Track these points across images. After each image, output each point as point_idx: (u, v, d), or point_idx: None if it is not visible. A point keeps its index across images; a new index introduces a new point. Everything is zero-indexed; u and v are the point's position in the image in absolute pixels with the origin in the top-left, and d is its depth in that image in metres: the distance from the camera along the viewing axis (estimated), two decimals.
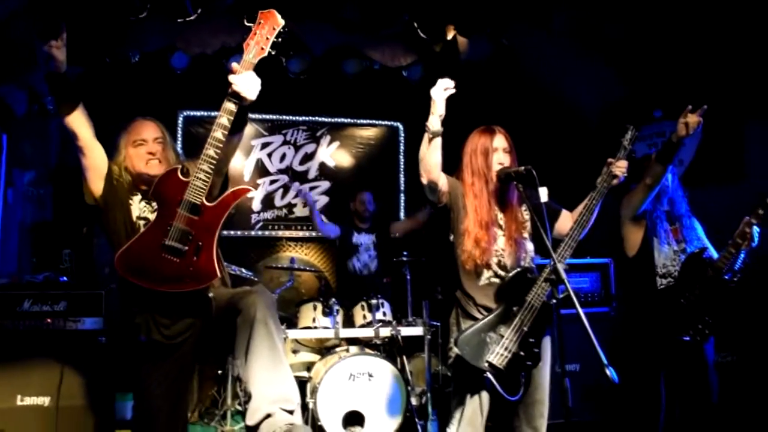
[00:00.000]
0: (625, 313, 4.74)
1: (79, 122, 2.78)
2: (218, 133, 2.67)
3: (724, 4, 4.78)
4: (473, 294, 2.99)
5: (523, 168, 2.84)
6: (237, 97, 2.66)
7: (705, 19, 4.95)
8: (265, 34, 2.69)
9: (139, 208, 2.97)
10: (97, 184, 2.92)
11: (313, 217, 5.76)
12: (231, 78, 2.64)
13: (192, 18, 4.73)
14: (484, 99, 6.28)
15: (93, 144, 2.87)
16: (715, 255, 3.93)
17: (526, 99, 6.11)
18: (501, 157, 3.04)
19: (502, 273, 3.00)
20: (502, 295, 2.94)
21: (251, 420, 2.67)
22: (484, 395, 2.91)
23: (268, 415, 2.65)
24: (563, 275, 2.48)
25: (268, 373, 2.67)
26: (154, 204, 2.92)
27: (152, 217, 2.91)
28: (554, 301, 2.88)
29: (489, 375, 2.86)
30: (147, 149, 2.98)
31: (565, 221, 3.19)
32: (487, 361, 2.86)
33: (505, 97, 6.21)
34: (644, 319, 4.00)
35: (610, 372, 2.25)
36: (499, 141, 3.06)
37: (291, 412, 2.69)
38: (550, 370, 3.05)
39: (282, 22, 2.71)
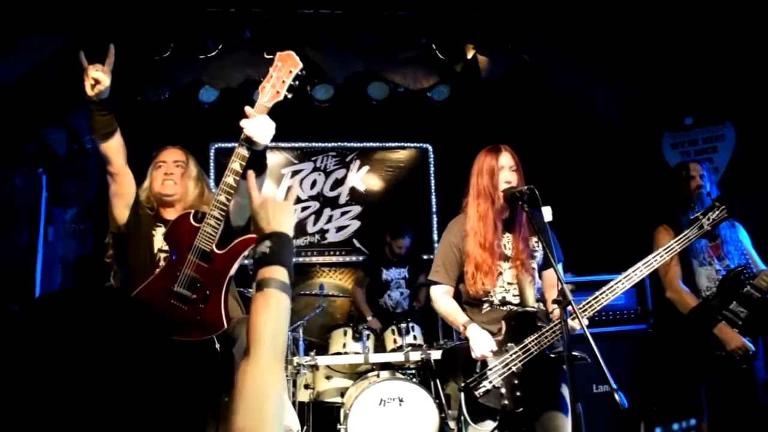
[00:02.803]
0: (663, 332, 4.59)
1: (114, 149, 2.80)
2: (230, 179, 2.62)
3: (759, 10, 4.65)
4: (476, 320, 2.93)
5: (526, 187, 2.79)
6: (249, 141, 2.59)
7: (737, 25, 4.83)
8: (281, 77, 2.59)
9: (161, 241, 2.95)
10: (122, 211, 2.94)
11: None
12: (242, 123, 2.57)
13: (213, 54, 4.86)
14: (503, 115, 6.26)
15: (124, 171, 2.89)
16: (761, 266, 3.76)
17: (549, 114, 6.05)
18: (507, 176, 2.96)
19: (504, 308, 2.94)
20: (505, 326, 2.88)
21: None
22: (489, 422, 2.84)
23: None
24: (570, 296, 2.42)
25: None
26: None
27: None
28: (553, 355, 2.83)
29: (461, 395, 2.81)
30: (165, 170, 3.00)
31: (549, 279, 3.09)
32: (465, 383, 2.81)
33: (527, 113, 6.17)
34: (681, 337, 3.86)
35: (619, 397, 2.17)
36: (505, 159, 2.99)
37: None
38: (586, 393, 2.93)
39: (300, 64, 2.60)
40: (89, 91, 2.65)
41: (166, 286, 2.64)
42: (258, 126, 2.57)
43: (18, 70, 4.75)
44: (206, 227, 2.65)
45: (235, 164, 2.61)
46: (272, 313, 1.39)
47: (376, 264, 5.96)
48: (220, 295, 2.64)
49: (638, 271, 2.88)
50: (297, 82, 2.61)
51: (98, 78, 2.61)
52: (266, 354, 1.33)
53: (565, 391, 2.88)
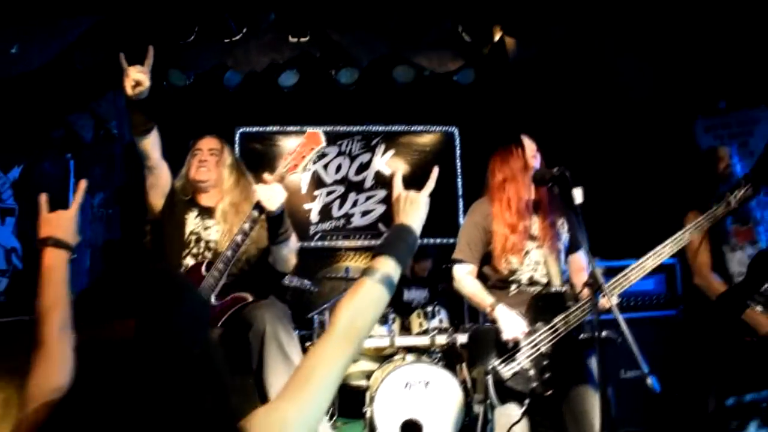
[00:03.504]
0: (692, 319, 4.52)
1: (152, 145, 2.92)
2: (238, 237, 2.78)
3: None
4: (504, 302, 2.88)
5: (555, 169, 2.76)
6: (260, 206, 2.76)
7: None
8: (302, 152, 2.82)
9: (194, 223, 3.10)
10: (158, 200, 3.08)
11: None
12: (254, 186, 2.78)
13: (238, 37, 4.85)
14: (530, 98, 6.19)
15: (161, 164, 3.03)
16: None
17: (577, 97, 5.95)
18: (532, 150, 2.99)
19: (531, 290, 2.91)
20: (532, 306, 2.85)
21: None
22: (514, 407, 2.81)
23: None
24: (601, 279, 2.38)
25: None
26: (208, 221, 3.07)
27: (203, 234, 3.06)
28: (582, 336, 2.79)
29: (489, 378, 2.78)
30: (200, 157, 3.13)
31: (577, 263, 3.08)
32: (492, 366, 2.78)
33: (554, 96, 6.09)
34: (710, 324, 3.79)
35: (651, 381, 2.13)
36: (527, 141, 3.02)
37: None
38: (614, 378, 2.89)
39: (323, 143, 2.82)
40: (129, 92, 2.74)
41: None
42: (268, 192, 2.74)
43: (46, 55, 4.78)
44: (209, 278, 2.79)
45: (245, 225, 2.78)
46: (356, 301, 1.44)
47: (398, 285, 5.95)
48: None
49: (667, 248, 2.83)
50: (317, 158, 2.94)
51: (139, 80, 2.71)
52: (334, 335, 1.39)
53: (594, 371, 2.84)
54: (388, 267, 1.52)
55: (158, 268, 1.28)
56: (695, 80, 5.39)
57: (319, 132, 2.86)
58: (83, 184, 1.98)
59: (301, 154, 2.82)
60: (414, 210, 1.65)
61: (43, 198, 1.91)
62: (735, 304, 3.57)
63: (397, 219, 1.66)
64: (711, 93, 5.56)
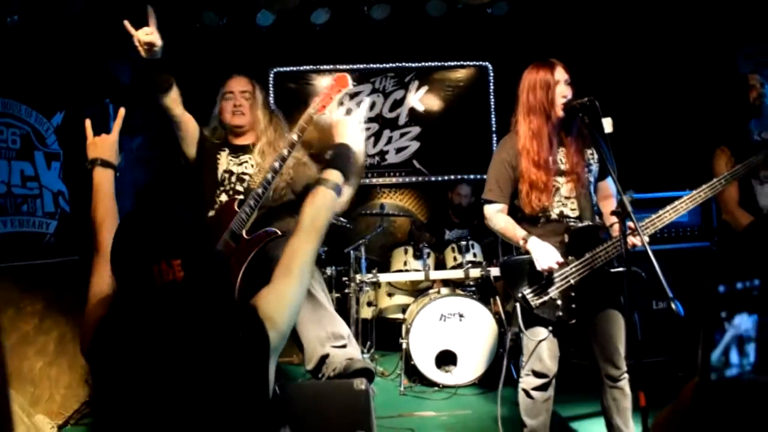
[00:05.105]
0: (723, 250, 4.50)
1: (174, 100, 3.00)
2: (269, 175, 2.91)
3: None
4: (535, 234, 2.89)
5: (586, 99, 2.72)
6: (291, 144, 2.92)
7: None
8: (330, 93, 2.90)
9: (226, 161, 3.19)
10: (191, 149, 3.20)
11: None
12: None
13: None
14: (565, 30, 6.05)
15: (185, 117, 3.12)
16: None
17: (614, 26, 5.81)
18: (564, 90, 2.87)
19: (562, 222, 2.91)
20: (564, 240, 2.86)
21: (310, 365, 2.88)
22: (541, 330, 2.90)
23: (324, 357, 2.82)
24: (629, 207, 2.41)
25: (311, 318, 2.86)
26: (242, 156, 3.17)
27: (236, 169, 3.16)
28: (614, 269, 2.81)
29: (517, 305, 2.86)
30: (233, 101, 3.19)
31: (604, 190, 3.10)
32: (522, 293, 2.85)
33: (590, 27, 5.95)
34: (740, 254, 3.78)
35: (675, 305, 2.17)
36: (560, 73, 2.89)
37: (344, 347, 2.85)
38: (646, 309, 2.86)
39: (350, 85, 2.92)
40: (144, 55, 2.77)
41: None
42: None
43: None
44: (241, 213, 2.92)
45: (275, 163, 2.91)
46: (314, 204, 1.86)
47: (440, 226, 6.10)
48: (238, 274, 2.87)
49: (702, 193, 2.84)
50: (343, 102, 3.01)
51: (151, 41, 2.72)
52: (302, 231, 1.80)
53: (620, 300, 2.89)
54: (335, 176, 1.93)
55: (180, 211, 1.57)
56: (738, 3, 5.18)
57: (346, 75, 2.92)
58: (122, 111, 2.29)
59: (329, 95, 2.88)
60: (347, 131, 2.09)
61: (88, 123, 2.23)
62: (762, 237, 3.56)
63: (335, 140, 2.08)
64: (756, 16, 5.32)
